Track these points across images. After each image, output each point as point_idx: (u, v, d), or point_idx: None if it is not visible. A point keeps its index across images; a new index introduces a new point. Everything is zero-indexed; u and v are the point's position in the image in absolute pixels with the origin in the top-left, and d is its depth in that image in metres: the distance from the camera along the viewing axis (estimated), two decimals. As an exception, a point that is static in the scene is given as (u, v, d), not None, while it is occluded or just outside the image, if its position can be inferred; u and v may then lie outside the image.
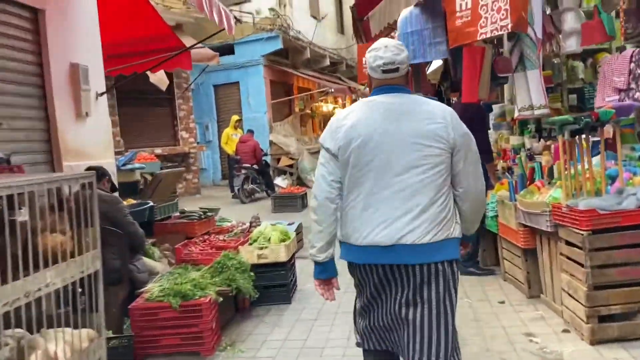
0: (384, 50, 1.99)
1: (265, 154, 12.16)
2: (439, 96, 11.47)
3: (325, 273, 2.12)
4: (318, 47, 16.69)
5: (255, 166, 11.56)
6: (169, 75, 12.63)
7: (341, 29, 19.93)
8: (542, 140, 5.02)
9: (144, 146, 11.78)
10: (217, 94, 15.11)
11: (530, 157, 4.94)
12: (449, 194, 2.00)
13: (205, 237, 5.06)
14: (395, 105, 1.98)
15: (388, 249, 1.92)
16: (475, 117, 4.41)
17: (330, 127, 2.06)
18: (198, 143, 14.20)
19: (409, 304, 1.97)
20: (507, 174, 4.90)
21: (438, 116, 1.95)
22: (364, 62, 6.85)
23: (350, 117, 2.01)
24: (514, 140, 5.38)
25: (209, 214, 5.82)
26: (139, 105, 12.09)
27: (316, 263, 2.11)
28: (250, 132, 12.05)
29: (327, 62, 17.64)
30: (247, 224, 6.39)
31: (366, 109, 2.01)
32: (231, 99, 14.97)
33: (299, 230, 6.49)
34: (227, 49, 14.49)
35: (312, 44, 15.96)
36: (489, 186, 4.36)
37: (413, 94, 2.09)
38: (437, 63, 9.41)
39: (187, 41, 12.54)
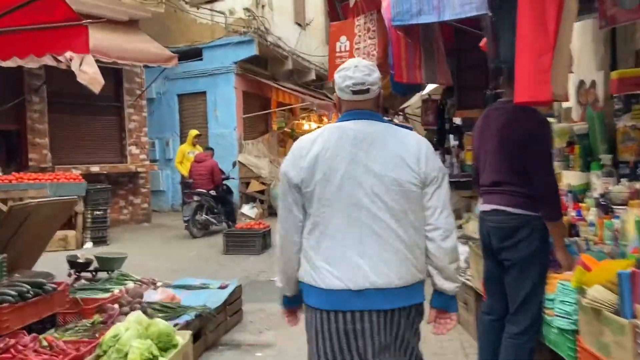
0: (353, 70, 1.85)
1: (227, 178, 10.02)
2: (441, 115, 9.58)
3: (291, 304, 2.05)
4: (302, 59, 14.73)
5: (212, 192, 9.41)
6: (117, 79, 10.58)
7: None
8: (623, 180, 2.97)
9: (80, 162, 9.62)
10: (181, 104, 13.04)
11: (606, 208, 2.89)
12: (422, 234, 1.82)
13: (20, 338, 2.63)
14: (366, 133, 1.80)
15: (358, 294, 1.74)
16: (535, 138, 2.51)
17: (292, 154, 1.87)
18: (153, 161, 12.07)
19: (381, 352, 1.79)
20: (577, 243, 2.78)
21: (411, 148, 1.80)
22: (336, 51, 4.80)
23: (315, 145, 1.82)
24: (575, 178, 3.32)
25: (45, 287, 3.11)
26: (76, 113, 9.97)
27: (284, 296, 2.02)
28: (209, 150, 9.93)
29: (313, 75, 15.71)
30: (154, 285, 4.25)
31: (333, 136, 1.82)
32: (197, 111, 12.90)
33: (232, 300, 4.33)
34: (193, 53, 12.50)
35: (295, 54, 14.00)
36: (555, 265, 2.64)
37: (385, 121, 1.88)
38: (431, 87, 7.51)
39: (142, 39, 10.64)
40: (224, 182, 10.01)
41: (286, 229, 1.88)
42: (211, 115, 12.59)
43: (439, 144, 9.63)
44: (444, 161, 7.77)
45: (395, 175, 1.75)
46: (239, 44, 12.06)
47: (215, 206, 9.49)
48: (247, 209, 11.93)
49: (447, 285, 1.85)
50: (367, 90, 1.84)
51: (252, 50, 12.03)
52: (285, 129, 15.02)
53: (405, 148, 1.79)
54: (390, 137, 1.80)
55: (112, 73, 10.25)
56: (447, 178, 1.87)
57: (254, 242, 7.71)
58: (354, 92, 1.84)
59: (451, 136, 9.68)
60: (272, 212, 12.20)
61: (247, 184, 12.36)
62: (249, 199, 12.41)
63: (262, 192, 12.22)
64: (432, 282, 1.88)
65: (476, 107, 6.98)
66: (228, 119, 12.41)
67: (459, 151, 7.88)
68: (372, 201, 1.75)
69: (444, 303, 1.88)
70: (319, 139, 1.84)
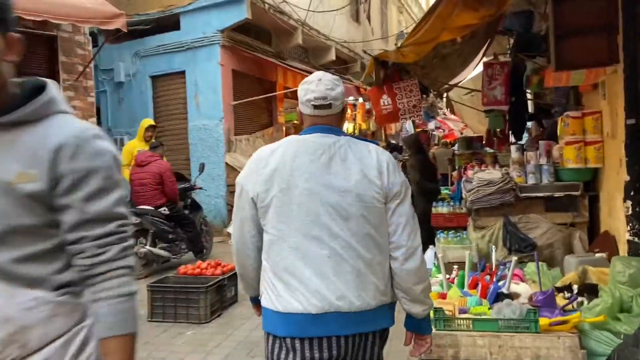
0: (316, 84, 1.76)
1: (190, 188, 6.93)
2: (517, 87, 6.18)
3: (255, 300, 1.91)
4: (318, 32, 11.52)
5: (163, 209, 6.33)
6: (50, 51, 7.64)
7: (356, 16, 14.79)
8: None
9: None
10: (155, 89, 10.06)
11: None
12: (387, 253, 1.72)
13: None
14: (326, 146, 1.71)
15: (317, 318, 1.62)
16: None
17: (249, 166, 1.76)
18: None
19: None
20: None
21: (372, 161, 1.72)
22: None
23: (273, 158, 1.71)
24: None
25: None
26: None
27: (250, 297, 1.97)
28: (156, 147, 6.80)
29: (333, 55, 12.49)
30: None
31: (292, 149, 1.71)
32: (174, 97, 9.89)
33: None
34: (169, 22, 9.50)
35: (307, 25, 10.81)
36: None
37: (346, 135, 1.78)
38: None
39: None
40: (187, 192, 6.92)
41: (240, 241, 1.78)
42: (190, 102, 9.54)
43: (515, 135, 6.25)
44: (523, 163, 4.50)
45: (356, 190, 1.67)
46: (225, 5, 8.96)
47: (170, 230, 6.40)
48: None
49: (415, 309, 1.76)
50: (329, 105, 1.75)
51: (242, 13, 8.90)
52: (296, 122, 11.83)
53: (367, 162, 1.71)
54: (351, 152, 1.72)
55: (44, 42, 7.35)
56: (409, 192, 1.77)
57: (198, 301, 4.51)
58: (315, 107, 1.74)
59: (530, 123, 6.31)
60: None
61: (237, 193, 9.24)
62: (239, 213, 9.27)
63: (256, 204, 9.07)
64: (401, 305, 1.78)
65: (590, 63, 3.69)
66: (212, 106, 9.33)
67: (550, 146, 4.50)
68: (332, 219, 1.65)
69: (415, 326, 1.81)
70: (278, 152, 1.72)
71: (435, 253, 5.29)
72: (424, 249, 3.18)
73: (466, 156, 6.71)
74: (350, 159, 1.69)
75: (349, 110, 13.10)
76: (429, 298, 1.78)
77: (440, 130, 19.96)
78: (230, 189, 9.25)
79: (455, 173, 7.49)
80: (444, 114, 23.85)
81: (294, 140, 1.76)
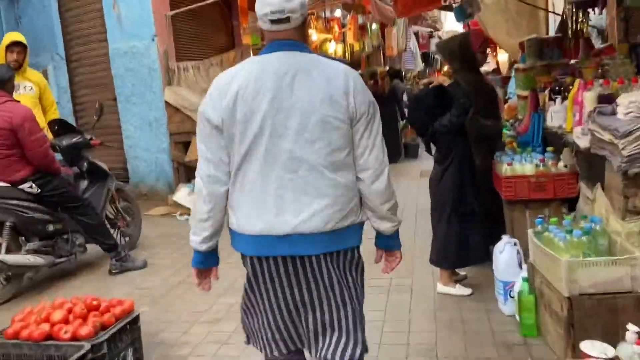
0: None
1: (83, 144, 4.20)
2: None
3: (205, 263, 1.80)
4: None
5: (28, 185, 3.66)
6: None
7: None
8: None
9: None
10: (63, 3, 7.07)
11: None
12: (354, 174, 1.67)
13: None
14: (289, 65, 1.59)
15: (283, 239, 1.60)
16: None
17: (211, 93, 1.64)
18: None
19: (306, 304, 1.68)
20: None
21: (338, 79, 1.61)
22: None
23: (235, 81, 1.59)
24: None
25: None
26: None
27: (196, 251, 1.77)
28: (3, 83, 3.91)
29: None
30: None
31: (254, 71, 1.60)
32: (88, 10, 6.93)
33: None
34: None
35: None
36: None
37: (311, 52, 1.68)
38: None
39: None
40: (79, 153, 4.22)
41: (209, 176, 1.65)
42: (109, 16, 6.61)
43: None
44: None
45: (321, 111, 1.58)
46: None
47: (46, 218, 3.78)
48: (184, 194, 6.18)
49: (384, 226, 1.76)
50: (287, 19, 1.59)
51: None
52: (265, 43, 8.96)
53: (332, 81, 1.60)
54: (315, 70, 1.61)
55: None
56: (378, 114, 1.69)
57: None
58: (273, 22, 1.59)
59: None
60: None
61: (186, 144, 6.54)
62: (188, 173, 6.62)
63: (213, 159, 6.41)
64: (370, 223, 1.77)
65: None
66: (140, 20, 6.42)
67: None
68: (295, 141, 1.57)
69: (385, 243, 1.83)
70: (239, 74, 1.61)
71: (520, 260, 2.80)
72: (496, 236, 3.02)
73: (539, 70, 4.07)
74: (314, 78, 1.59)
75: (336, 28, 10.16)
76: (396, 215, 1.77)
77: (443, 54, 17.08)
78: (175, 138, 6.55)
79: (513, 102, 4.83)
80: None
81: (255, 60, 1.65)
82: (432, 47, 14.23)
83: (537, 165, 3.11)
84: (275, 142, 1.57)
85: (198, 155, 1.69)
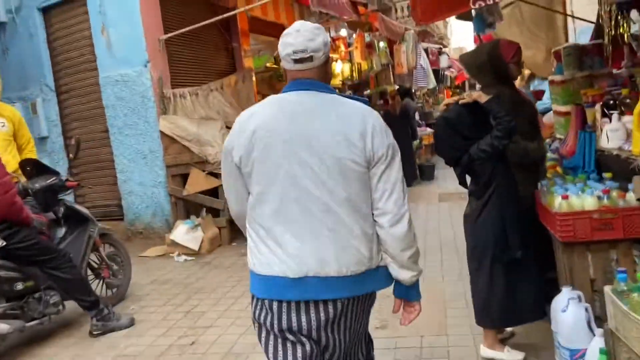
0: (294, 36, 1.61)
1: (60, 187, 3.66)
2: None
3: None
4: None
5: (-10, 239, 3.13)
6: None
7: None
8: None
9: None
10: (50, 27, 6.66)
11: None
12: (370, 218, 1.62)
13: None
14: (305, 105, 1.61)
15: (295, 282, 1.55)
16: None
17: (233, 129, 1.66)
18: None
19: (319, 344, 1.62)
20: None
21: (356, 120, 1.58)
22: None
23: (253, 119, 1.61)
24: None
25: None
26: None
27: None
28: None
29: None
30: None
31: (272, 110, 1.63)
32: (77, 36, 6.50)
33: None
34: None
35: None
36: None
37: (331, 92, 1.66)
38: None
39: None
40: (54, 197, 3.69)
41: (239, 210, 1.71)
42: (98, 42, 6.17)
43: None
44: None
45: (336, 153, 1.55)
46: None
47: (13, 276, 3.24)
48: (183, 232, 5.64)
49: (403, 275, 1.67)
50: (310, 58, 1.60)
51: None
52: (270, 65, 8.46)
53: (349, 122, 1.58)
54: (333, 111, 1.60)
55: None
56: (398, 156, 1.64)
57: None
58: (296, 61, 1.61)
59: None
60: (236, 235, 5.94)
61: (184, 177, 6.01)
62: (187, 208, 6.08)
63: (213, 192, 5.87)
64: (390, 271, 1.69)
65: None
66: (131, 45, 5.96)
67: None
68: (311, 181, 1.56)
69: (403, 293, 1.73)
70: (258, 113, 1.63)
71: (589, 319, 2.22)
72: (551, 286, 2.55)
73: (580, 82, 3.49)
74: (332, 119, 1.57)
75: (342, 47, 9.69)
76: (417, 264, 1.69)
77: (452, 70, 16.62)
78: (172, 171, 6.02)
79: (548, 118, 4.25)
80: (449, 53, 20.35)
81: (274, 99, 1.67)
82: (442, 64, 13.74)
83: (599, 198, 2.51)
84: (290, 182, 1.55)
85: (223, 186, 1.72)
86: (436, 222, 5.99)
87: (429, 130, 11.05)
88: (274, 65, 8.49)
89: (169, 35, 6.07)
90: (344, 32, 9.81)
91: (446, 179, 8.90)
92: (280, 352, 1.60)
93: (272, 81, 8.96)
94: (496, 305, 2.65)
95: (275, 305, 1.57)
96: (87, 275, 3.88)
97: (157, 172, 6.06)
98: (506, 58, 2.86)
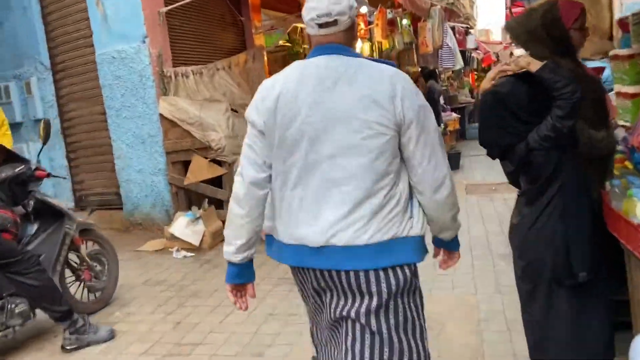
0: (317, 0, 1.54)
1: (29, 177, 3.15)
2: None
3: (241, 278, 1.69)
4: None
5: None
6: None
7: None
8: None
9: None
10: (44, 1, 6.14)
11: None
12: (399, 183, 1.55)
13: None
14: (330, 69, 1.52)
15: (317, 251, 1.51)
16: None
17: (256, 95, 1.61)
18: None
19: (343, 324, 1.56)
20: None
21: (383, 83, 1.49)
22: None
23: (278, 84, 1.56)
24: None
25: None
26: None
27: (231, 264, 1.67)
28: None
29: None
30: None
31: (296, 75, 1.56)
32: (72, 11, 5.97)
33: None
34: None
35: None
36: None
37: (358, 56, 1.57)
38: None
39: None
40: (24, 188, 3.17)
41: (251, 177, 1.60)
42: (95, 17, 5.63)
43: None
44: None
45: (363, 116, 1.48)
46: None
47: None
48: (183, 225, 5.14)
49: (444, 235, 1.70)
50: (335, 22, 1.54)
51: None
52: (283, 44, 7.83)
53: (377, 85, 1.49)
54: (360, 74, 1.51)
55: None
56: (431, 118, 1.56)
57: None
58: (320, 26, 1.55)
59: None
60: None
61: (185, 164, 5.48)
62: (189, 198, 5.57)
63: (217, 181, 5.34)
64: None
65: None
66: (127, 18, 5.42)
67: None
68: (335, 147, 1.49)
69: (444, 244, 1.75)
70: (282, 78, 1.59)
71: None
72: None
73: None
74: (358, 82, 1.50)
75: (362, 25, 8.99)
76: (457, 220, 1.68)
77: (478, 52, 15.77)
78: (172, 157, 5.49)
79: (609, 101, 3.57)
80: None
81: (298, 64, 1.60)
82: (469, 44, 12.94)
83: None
84: (314, 148, 1.51)
85: (241, 156, 1.63)
86: (464, 218, 5.36)
87: (454, 115, 10.34)
88: (287, 44, 7.87)
89: (170, 7, 5.49)
90: (364, 9, 9.12)
91: (473, 168, 8.23)
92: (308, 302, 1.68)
93: (286, 61, 8.36)
94: (556, 338, 2.05)
95: (300, 272, 1.59)
96: (65, 279, 3.40)
97: (157, 159, 5.54)
98: (567, 22, 2.20)
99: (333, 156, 1.49)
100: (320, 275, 1.54)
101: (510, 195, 6.40)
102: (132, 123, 5.60)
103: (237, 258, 1.63)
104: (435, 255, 1.78)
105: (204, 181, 5.33)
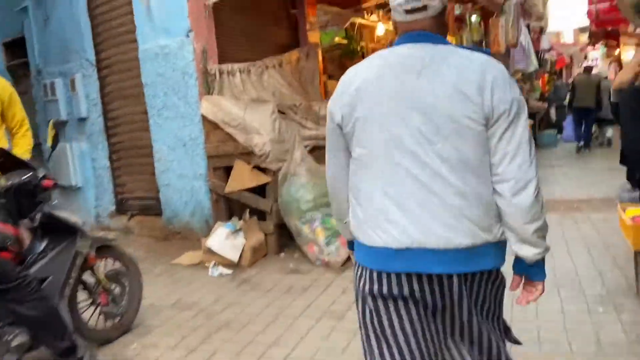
0: None
1: (35, 187, 2.72)
2: None
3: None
4: None
5: None
6: None
7: None
8: None
9: None
10: (91, 3, 5.86)
11: None
12: (488, 183, 1.42)
13: None
14: (416, 58, 1.42)
15: (401, 253, 1.41)
16: None
17: (336, 89, 1.55)
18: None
19: (438, 334, 1.47)
20: None
21: (472, 72, 1.37)
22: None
23: (358, 75, 1.49)
24: None
25: None
26: None
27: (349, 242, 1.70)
28: None
29: None
30: None
31: (379, 65, 1.47)
32: (117, 6, 5.65)
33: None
34: None
35: None
36: None
37: (447, 44, 1.45)
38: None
39: None
40: (31, 200, 2.75)
41: (333, 174, 1.61)
42: (139, 10, 5.27)
43: None
44: None
45: (449, 109, 1.37)
46: None
47: None
48: (221, 238, 4.67)
49: (525, 251, 1.45)
50: (424, 8, 1.43)
51: None
52: (339, 41, 7.24)
53: (466, 74, 1.37)
54: (447, 63, 1.39)
55: None
56: (524, 113, 1.40)
57: None
58: (407, 12, 1.45)
59: None
60: (286, 242, 4.90)
61: (227, 170, 5.00)
62: (230, 207, 5.09)
63: (261, 190, 4.83)
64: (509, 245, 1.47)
65: None
66: (172, 11, 5.02)
67: None
68: (418, 143, 1.39)
69: (524, 270, 1.51)
70: (363, 69, 1.50)
71: None
72: None
73: None
74: (444, 71, 1.38)
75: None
76: (543, 240, 1.46)
77: (552, 53, 14.57)
78: (214, 162, 5.04)
79: None
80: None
81: (382, 54, 1.51)
82: (543, 45, 11.86)
83: None
84: (396, 143, 1.41)
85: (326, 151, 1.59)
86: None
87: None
88: (344, 40, 7.27)
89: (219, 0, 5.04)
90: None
91: (550, 181, 7.31)
92: (384, 317, 1.45)
93: (343, 60, 7.77)
94: None
95: (380, 275, 1.44)
96: (78, 303, 2.96)
97: (198, 163, 5.10)
98: None
99: (416, 153, 1.39)
100: (407, 279, 1.42)
101: (598, 215, 5.52)
102: (173, 124, 5.19)
103: (346, 235, 1.67)
104: (514, 286, 1.56)
105: (246, 190, 4.84)
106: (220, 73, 5.12)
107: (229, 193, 4.91)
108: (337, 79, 5.80)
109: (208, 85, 5.02)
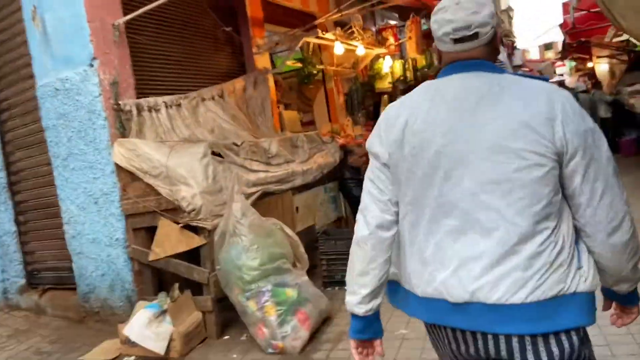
0: (453, 10, 1.30)
1: None
2: None
3: (366, 332, 1.45)
4: None
5: None
6: None
7: None
8: None
9: None
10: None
11: None
12: (562, 225, 1.25)
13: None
14: (469, 90, 1.28)
15: (458, 307, 1.25)
16: None
17: (379, 124, 1.42)
18: None
19: None
20: None
21: (538, 102, 1.22)
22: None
23: (405, 109, 1.36)
24: None
25: None
26: None
27: (354, 317, 1.45)
28: None
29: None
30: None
31: (428, 97, 1.34)
32: (13, 42, 4.59)
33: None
34: None
35: None
36: None
37: (503, 72, 1.32)
38: None
39: None
40: None
41: (377, 219, 1.39)
42: (33, 36, 4.22)
43: None
44: None
45: (513, 144, 1.21)
46: None
47: None
48: (142, 324, 3.51)
49: (619, 287, 1.35)
50: (475, 35, 1.30)
51: None
52: (291, 64, 6.29)
53: (531, 105, 1.22)
54: (508, 92, 1.25)
55: None
56: (603, 142, 1.24)
57: None
58: (456, 41, 1.31)
59: None
60: (230, 322, 3.73)
61: (149, 232, 3.89)
62: (159, 279, 3.96)
63: (195, 254, 3.72)
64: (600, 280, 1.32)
65: None
66: (71, 35, 3.98)
67: None
68: (479, 183, 1.25)
69: (618, 297, 1.40)
70: (410, 102, 1.38)
71: None
72: None
73: None
74: (505, 102, 1.23)
75: (391, 40, 7.45)
76: (638, 271, 1.32)
77: (524, 69, 14.12)
78: (133, 223, 3.93)
79: None
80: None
81: (429, 85, 1.38)
82: (515, 61, 11.26)
83: None
84: (451, 183, 1.27)
85: (363, 192, 1.42)
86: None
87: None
88: (298, 64, 6.33)
89: (130, 16, 4.02)
90: (393, 21, 7.58)
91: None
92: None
93: (301, 87, 6.83)
94: None
95: (442, 331, 1.31)
96: None
97: (113, 225, 3.99)
98: None
99: (475, 193, 1.23)
100: (462, 337, 1.26)
101: None
102: (82, 176, 4.09)
103: (361, 310, 1.40)
104: (605, 308, 1.43)
105: (175, 256, 3.74)
106: (139, 109, 4.07)
107: (154, 261, 3.79)
108: (295, 109, 4.68)
109: (122, 126, 3.96)
